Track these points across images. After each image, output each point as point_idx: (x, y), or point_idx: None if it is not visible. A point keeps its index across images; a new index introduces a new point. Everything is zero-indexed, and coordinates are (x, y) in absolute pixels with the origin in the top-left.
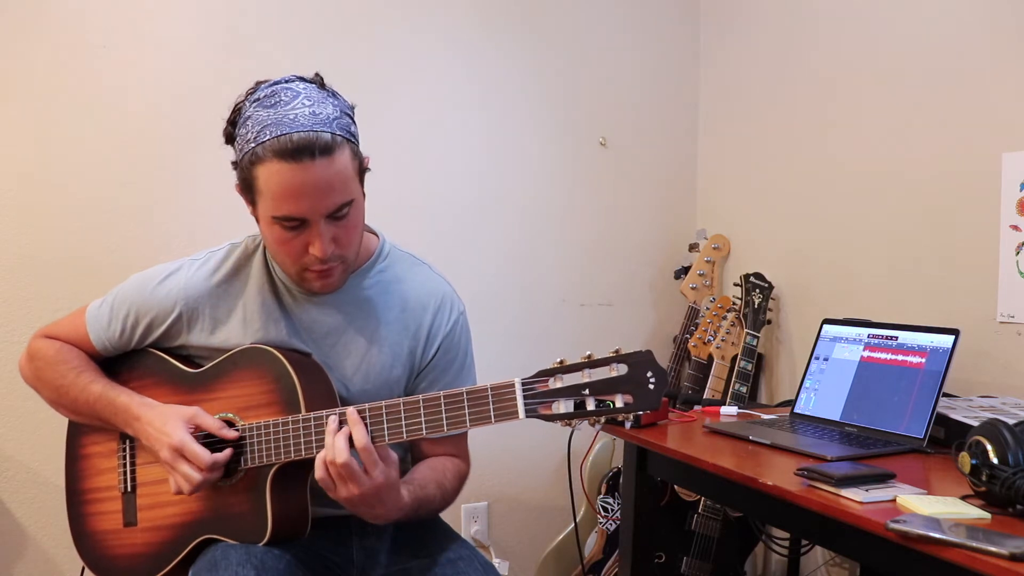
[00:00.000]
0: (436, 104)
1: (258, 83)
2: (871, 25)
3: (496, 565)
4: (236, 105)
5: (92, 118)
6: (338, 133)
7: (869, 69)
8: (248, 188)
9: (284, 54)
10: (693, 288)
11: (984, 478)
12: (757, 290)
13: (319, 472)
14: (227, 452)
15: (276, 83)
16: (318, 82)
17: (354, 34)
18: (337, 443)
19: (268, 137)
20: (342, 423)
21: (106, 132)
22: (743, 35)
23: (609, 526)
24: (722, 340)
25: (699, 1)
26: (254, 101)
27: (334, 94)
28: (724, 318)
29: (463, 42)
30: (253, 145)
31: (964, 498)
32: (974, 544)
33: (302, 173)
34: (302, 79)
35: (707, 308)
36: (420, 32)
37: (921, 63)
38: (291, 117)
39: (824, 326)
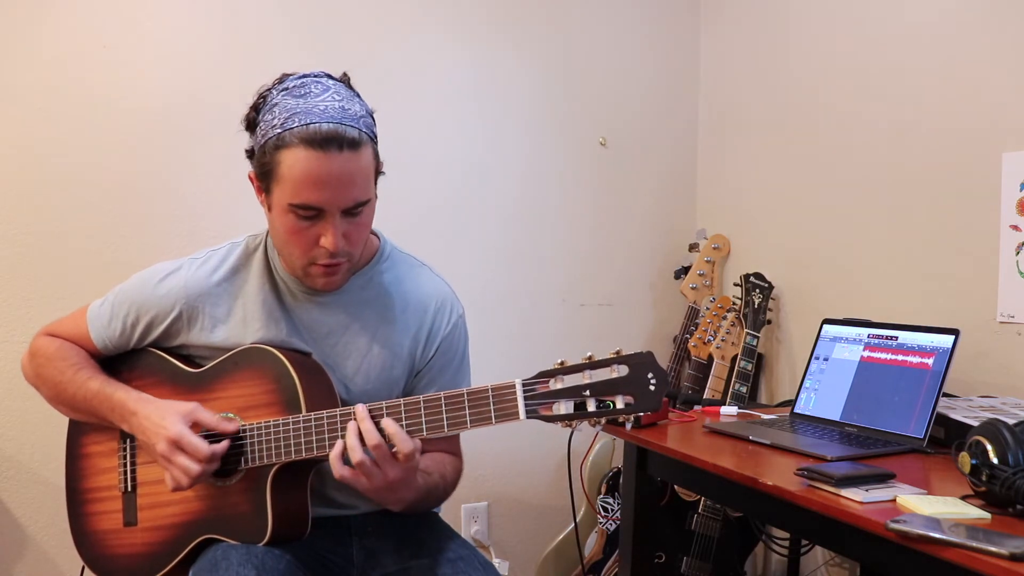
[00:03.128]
0: (435, 103)
1: (285, 75)
2: (870, 25)
3: (496, 565)
4: (261, 92)
5: (92, 117)
6: (364, 131)
7: (869, 69)
8: (266, 174)
9: (284, 53)
10: (693, 288)
11: (984, 478)
12: (757, 290)
13: (344, 466)
14: (224, 444)
15: (306, 75)
16: (346, 81)
17: (355, 33)
18: (365, 426)
19: (297, 124)
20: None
21: (106, 131)
22: (743, 35)
23: (609, 526)
24: (722, 340)
25: (699, 1)
26: (283, 90)
27: (359, 96)
28: (724, 318)
29: (463, 42)
30: (280, 130)
31: (964, 498)
32: (974, 544)
33: (328, 163)
34: (331, 76)
35: (707, 308)
36: (420, 32)
37: (921, 63)
38: (321, 108)
39: (824, 326)
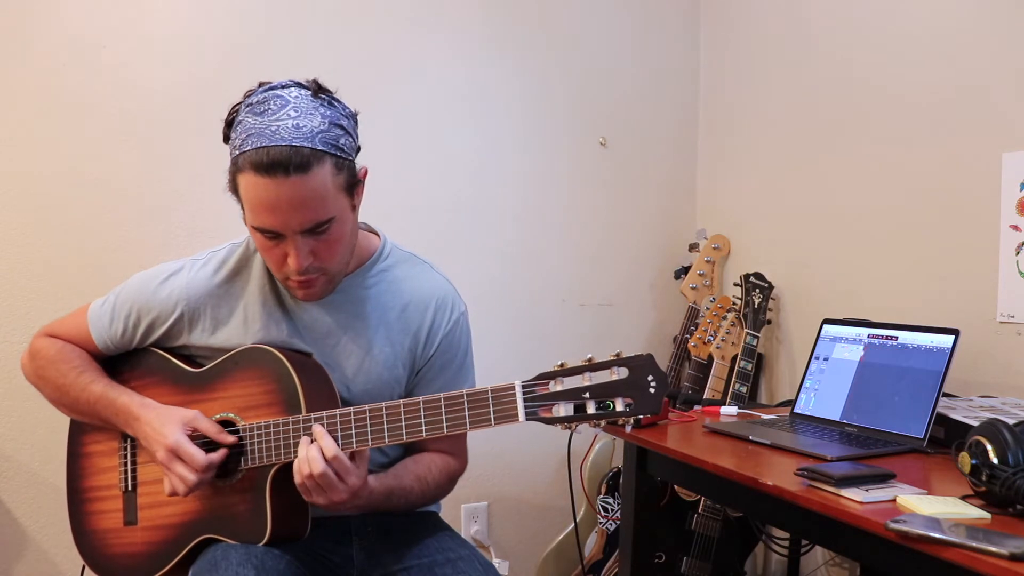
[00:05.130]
0: (435, 104)
1: (260, 83)
2: (870, 25)
3: (496, 565)
4: (234, 106)
5: (92, 118)
6: (319, 148)
7: (869, 69)
8: (235, 192)
9: (283, 53)
10: (693, 288)
11: (984, 478)
12: (757, 290)
13: (297, 479)
14: (221, 452)
15: (270, 88)
16: (313, 89)
17: (355, 33)
18: (311, 454)
19: (249, 148)
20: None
21: (106, 132)
22: (743, 35)
23: (609, 526)
24: (722, 340)
25: (699, 1)
26: (247, 105)
27: (330, 102)
28: (724, 318)
29: (464, 43)
30: (237, 153)
31: (964, 498)
32: (974, 544)
33: (275, 188)
34: (299, 85)
35: (707, 308)
36: (420, 32)
37: (921, 63)
38: (273, 129)
39: (824, 326)
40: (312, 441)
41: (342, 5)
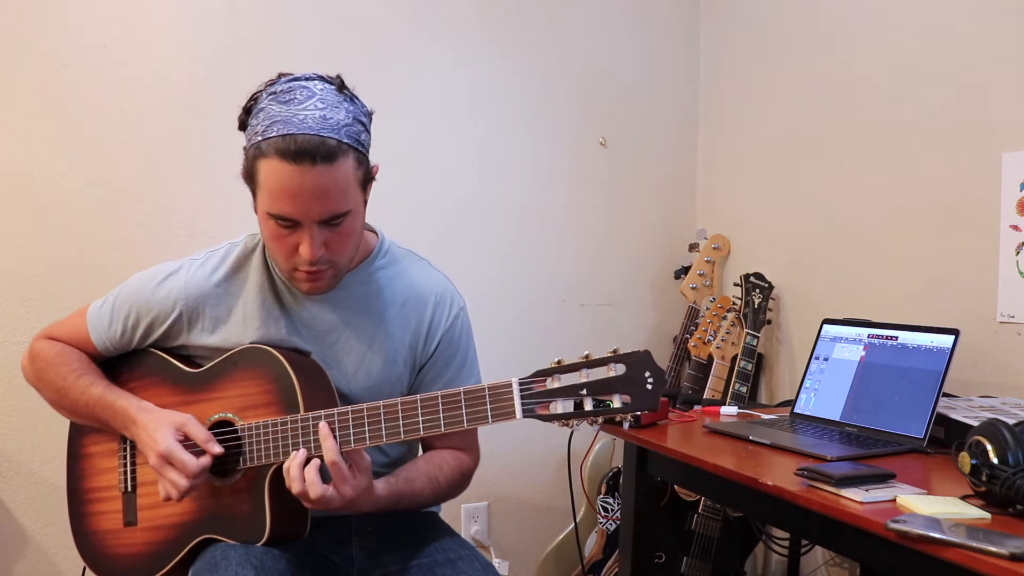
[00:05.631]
0: (436, 104)
1: (280, 74)
2: (870, 25)
3: (496, 565)
4: (254, 94)
5: (91, 118)
6: (344, 141)
7: (868, 69)
8: (250, 179)
9: (283, 54)
10: (693, 288)
11: (984, 478)
12: (757, 290)
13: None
14: (206, 460)
15: (296, 79)
16: (337, 84)
17: (355, 33)
18: (308, 477)
19: (274, 134)
20: (308, 453)
21: (106, 132)
22: (743, 35)
23: (609, 526)
24: (722, 340)
25: (699, 1)
26: (271, 94)
27: (352, 99)
28: (724, 318)
29: (464, 43)
30: (259, 139)
31: (964, 498)
32: (974, 544)
33: (300, 176)
34: (323, 79)
35: (707, 308)
36: (421, 32)
37: (921, 63)
38: (300, 117)
39: (824, 326)
40: (309, 448)
41: (342, 5)
